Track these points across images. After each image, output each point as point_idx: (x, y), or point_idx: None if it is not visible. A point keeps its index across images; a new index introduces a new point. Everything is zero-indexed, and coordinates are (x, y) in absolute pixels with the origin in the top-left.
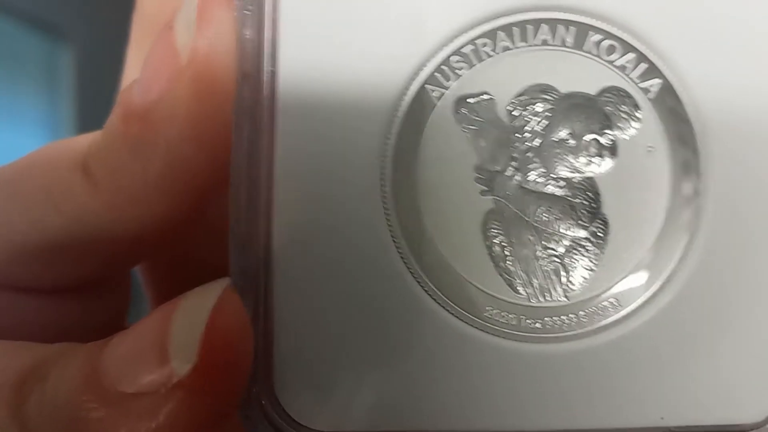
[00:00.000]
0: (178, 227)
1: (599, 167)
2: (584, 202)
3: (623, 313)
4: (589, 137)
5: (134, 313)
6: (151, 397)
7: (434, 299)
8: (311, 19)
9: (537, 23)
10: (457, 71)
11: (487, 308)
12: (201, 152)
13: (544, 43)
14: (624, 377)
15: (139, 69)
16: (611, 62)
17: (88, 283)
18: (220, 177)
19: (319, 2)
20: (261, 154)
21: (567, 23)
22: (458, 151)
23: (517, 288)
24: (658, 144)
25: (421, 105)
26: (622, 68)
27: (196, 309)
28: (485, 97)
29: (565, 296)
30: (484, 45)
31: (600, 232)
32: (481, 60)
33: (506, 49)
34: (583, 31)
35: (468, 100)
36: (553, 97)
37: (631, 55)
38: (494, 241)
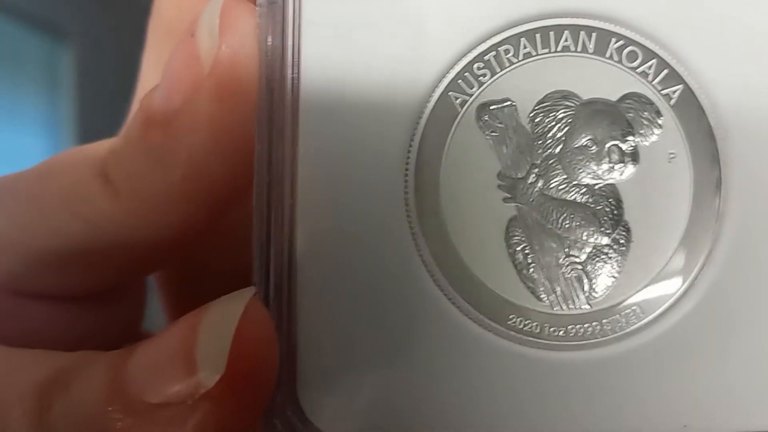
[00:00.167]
0: (197, 235)
1: (621, 174)
2: (606, 209)
3: (646, 320)
4: (610, 144)
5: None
6: (178, 408)
7: (457, 307)
8: (333, 26)
9: (559, 30)
10: (479, 78)
11: (510, 316)
12: (222, 160)
13: (566, 49)
14: (647, 385)
15: (157, 74)
16: (633, 69)
17: (105, 290)
18: (241, 185)
19: (341, 9)
20: (284, 161)
21: (589, 30)
22: (481, 157)
23: (540, 296)
24: (679, 150)
25: (444, 112)
26: (644, 74)
27: (223, 319)
28: (507, 103)
29: (588, 304)
30: (507, 52)
31: (622, 239)
32: (503, 67)
33: (528, 55)
34: (604, 37)
35: (490, 107)
36: (575, 104)
37: (652, 62)
38: (517, 248)
